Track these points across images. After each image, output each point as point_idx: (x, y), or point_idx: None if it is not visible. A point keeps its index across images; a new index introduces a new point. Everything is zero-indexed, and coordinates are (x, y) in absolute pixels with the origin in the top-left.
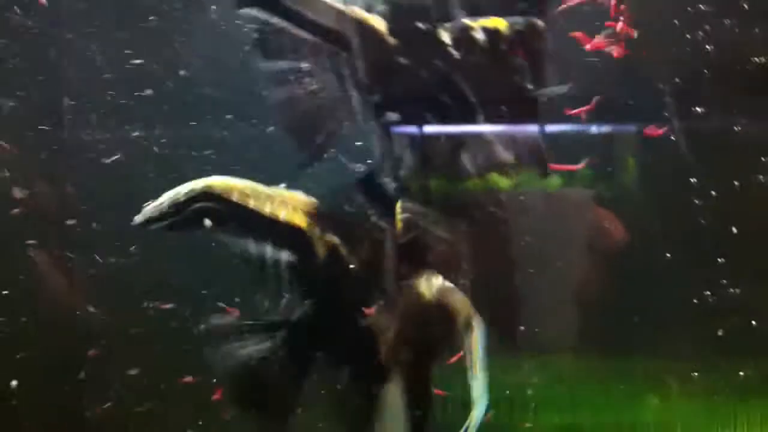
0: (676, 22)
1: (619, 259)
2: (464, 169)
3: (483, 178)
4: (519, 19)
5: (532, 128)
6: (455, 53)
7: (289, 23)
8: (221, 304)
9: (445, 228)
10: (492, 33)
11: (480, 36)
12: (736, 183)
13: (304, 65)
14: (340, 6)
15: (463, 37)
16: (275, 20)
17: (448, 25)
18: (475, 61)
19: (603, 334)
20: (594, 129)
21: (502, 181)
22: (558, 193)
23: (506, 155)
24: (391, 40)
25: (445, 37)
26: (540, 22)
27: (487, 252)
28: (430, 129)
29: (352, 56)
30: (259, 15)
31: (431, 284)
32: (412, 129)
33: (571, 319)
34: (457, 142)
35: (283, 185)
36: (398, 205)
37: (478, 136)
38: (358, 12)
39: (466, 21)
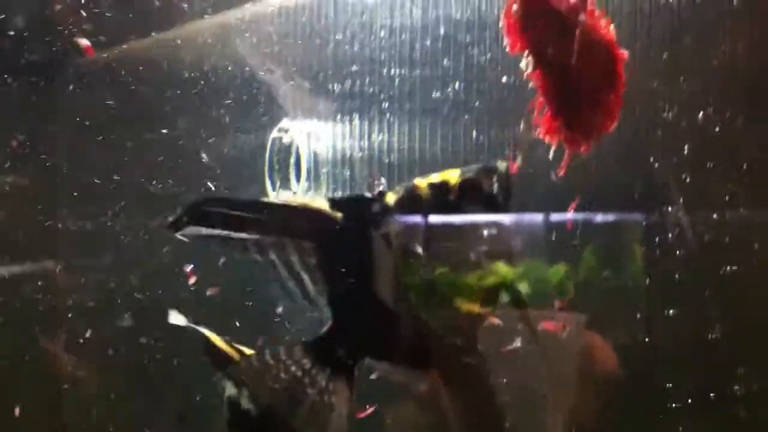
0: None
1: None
2: (467, 258)
3: (486, 267)
4: (474, 167)
5: (537, 218)
6: (396, 212)
7: (231, 231)
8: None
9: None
10: (437, 187)
11: (425, 191)
12: None
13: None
14: (282, 200)
15: (408, 195)
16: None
17: (398, 187)
18: (419, 216)
19: None
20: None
21: (506, 271)
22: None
23: (510, 244)
24: (336, 215)
25: (391, 199)
26: (500, 165)
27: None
28: (433, 219)
29: (298, 240)
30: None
31: None
32: (416, 219)
33: None
34: (461, 231)
35: None
36: None
37: (481, 226)
38: (300, 200)
39: (416, 180)
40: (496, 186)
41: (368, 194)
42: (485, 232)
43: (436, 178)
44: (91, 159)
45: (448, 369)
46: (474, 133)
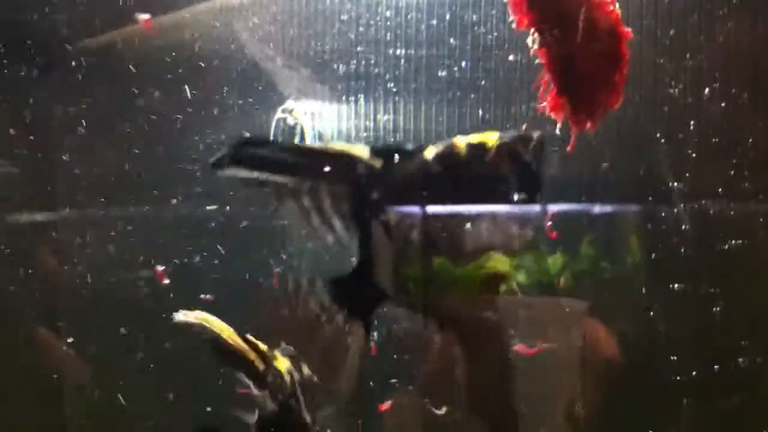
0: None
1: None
2: (466, 249)
3: (484, 257)
4: (512, 132)
5: (536, 208)
6: (435, 168)
7: (271, 174)
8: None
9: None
10: (476, 147)
11: (463, 151)
12: None
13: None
14: (321, 145)
15: (446, 153)
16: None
17: (438, 143)
18: (456, 174)
19: None
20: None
21: (503, 262)
22: (548, 302)
23: (509, 234)
24: (376, 162)
25: (430, 153)
26: (535, 135)
27: (470, 364)
28: (432, 209)
29: (335, 185)
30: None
31: None
32: (414, 209)
33: None
34: (459, 221)
35: None
36: None
37: (480, 216)
38: (339, 146)
39: (455, 139)
40: (530, 154)
41: (409, 146)
42: (483, 223)
43: (475, 138)
44: (90, 145)
45: (464, 323)
46: (480, 112)
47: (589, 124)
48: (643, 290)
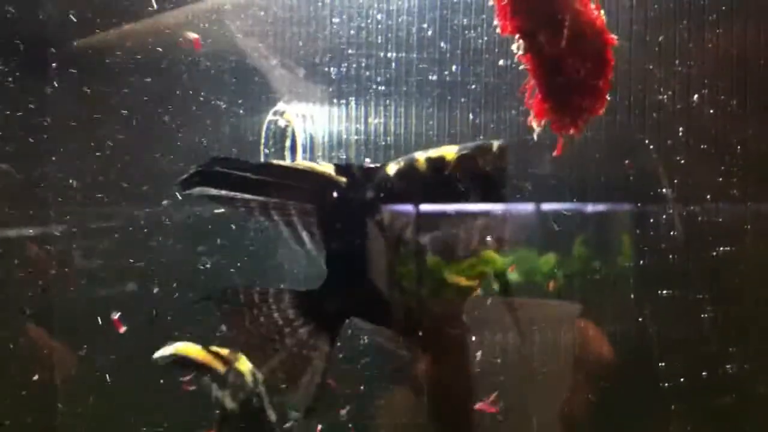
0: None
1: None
2: (459, 247)
3: (478, 256)
4: (471, 144)
5: (528, 207)
6: (397, 184)
7: (239, 192)
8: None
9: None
10: (435, 161)
11: (422, 165)
12: None
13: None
14: (289, 162)
15: (407, 168)
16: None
17: (400, 159)
18: (417, 189)
19: None
20: (589, 207)
21: (498, 260)
22: (541, 304)
23: (502, 233)
24: (340, 179)
25: (391, 170)
26: (494, 144)
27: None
28: (425, 208)
29: (301, 202)
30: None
31: None
32: (407, 208)
33: None
34: (454, 220)
35: None
36: None
37: (474, 215)
38: (304, 163)
39: (416, 153)
40: (491, 164)
41: (371, 164)
42: (478, 221)
43: (434, 152)
44: (83, 145)
45: (432, 337)
46: (470, 116)
47: (572, 130)
48: (635, 291)
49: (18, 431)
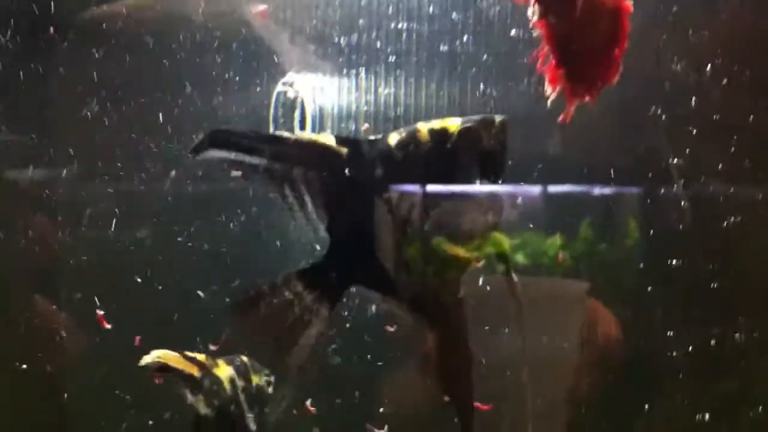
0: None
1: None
2: (466, 228)
3: (485, 237)
4: (475, 117)
5: (535, 189)
6: (397, 154)
7: (245, 156)
8: None
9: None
10: (437, 133)
11: (425, 137)
12: None
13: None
14: (294, 135)
15: (409, 138)
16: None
17: (402, 129)
18: (419, 159)
19: None
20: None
21: (505, 242)
22: (550, 283)
23: (500, 213)
24: (342, 150)
25: (393, 140)
26: (497, 119)
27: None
28: (424, 190)
29: (307, 170)
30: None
31: None
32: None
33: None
34: (461, 201)
35: None
36: None
37: (480, 196)
38: (307, 135)
39: (419, 124)
40: (493, 138)
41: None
42: (484, 202)
43: (437, 124)
44: (92, 120)
45: (430, 307)
46: (481, 87)
47: (587, 98)
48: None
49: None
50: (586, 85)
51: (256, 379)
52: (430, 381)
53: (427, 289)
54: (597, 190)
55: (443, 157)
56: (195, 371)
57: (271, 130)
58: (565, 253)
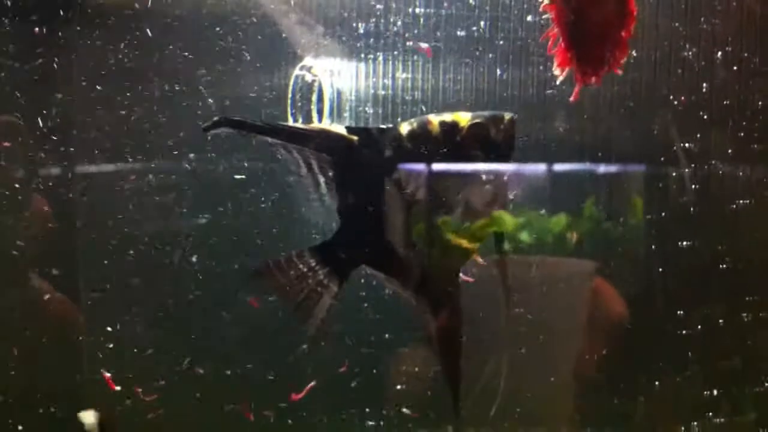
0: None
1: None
2: (471, 207)
3: (489, 216)
4: (485, 113)
5: (540, 168)
6: (407, 144)
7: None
8: None
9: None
10: (448, 126)
11: (435, 129)
12: None
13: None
14: (301, 125)
15: (420, 130)
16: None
17: (413, 119)
18: (428, 151)
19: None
20: (601, 168)
21: (508, 221)
22: (557, 262)
23: (506, 194)
24: (352, 138)
25: (404, 130)
26: (506, 116)
27: (473, 321)
28: (437, 167)
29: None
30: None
31: None
32: (416, 168)
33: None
34: (464, 180)
35: None
36: None
37: (484, 175)
38: (320, 125)
39: (430, 116)
40: (501, 134)
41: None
42: (489, 182)
43: (448, 117)
44: (107, 104)
45: (432, 289)
46: (498, 72)
47: (594, 79)
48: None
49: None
50: (594, 67)
51: None
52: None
53: (430, 273)
54: (601, 169)
55: (452, 149)
56: None
57: (289, 114)
58: (576, 233)
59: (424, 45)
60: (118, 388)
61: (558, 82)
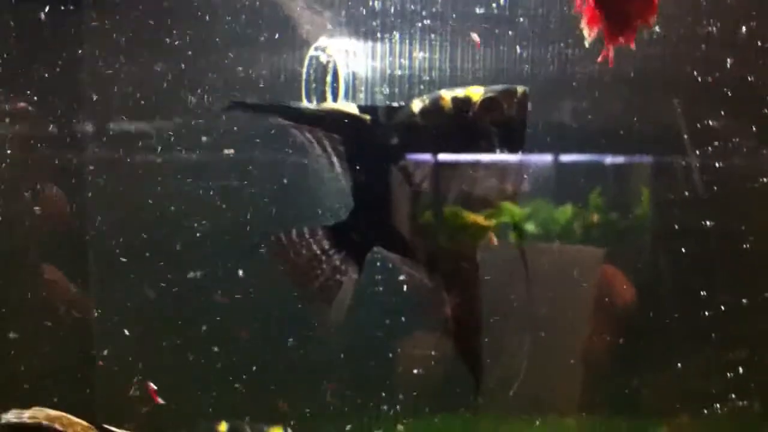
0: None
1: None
2: (478, 197)
3: (496, 206)
4: (497, 87)
5: (547, 158)
6: (420, 121)
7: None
8: None
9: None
10: (460, 101)
11: (448, 104)
12: None
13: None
14: (314, 105)
15: (432, 106)
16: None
17: (425, 96)
18: (441, 127)
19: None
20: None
21: (516, 211)
22: (567, 249)
23: (519, 184)
24: (365, 116)
25: (416, 107)
26: (519, 89)
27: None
28: (444, 158)
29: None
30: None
31: None
32: (426, 158)
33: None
34: (472, 171)
35: None
36: None
37: (492, 165)
38: (331, 105)
39: (442, 91)
40: (514, 109)
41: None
42: (503, 172)
43: (460, 92)
44: (123, 83)
45: (446, 270)
46: (518, 50)
47: (622, 39)
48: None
49: None
50: (623, 26)
51: None
52: (447, 339)
53: (443, 253)
54: (608, 159)
55: (465, 125)
56: None
57: (303, 94)
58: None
59: (476, 37)
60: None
61: (587, 43)
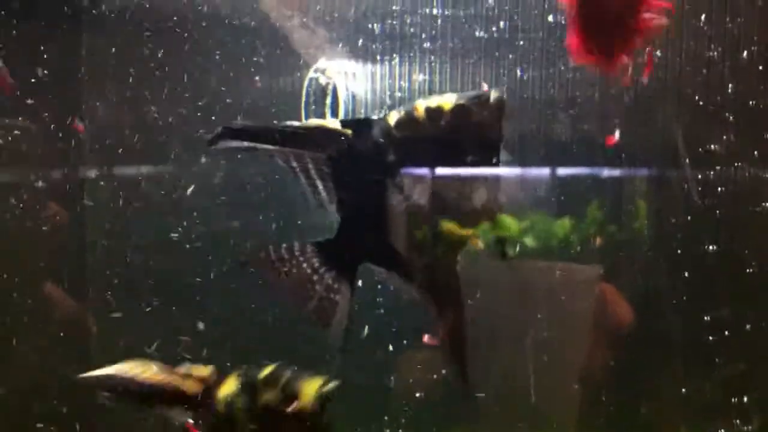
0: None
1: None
2: (474, 211)
3: (493, 220)
4: (470, 93)
5: (544, 171)
6: (397, 133)
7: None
8: None
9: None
10: (432, 111)
11: (421, 115)
12: None
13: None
14: (300, 123)
15: (407, 117)
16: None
17: (402, 107)
18: (416, 138)
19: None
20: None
21: (513, 225)
22: (562, 268)
23: (516, 197)
24: (346, 131)
25: (392, 119)
26: (493, 95)
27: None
28: (440, 171)
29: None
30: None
31: None
32: (423, 171)
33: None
34: (468, 184)
35: None
36: None
37: (488, 179)
38: (316, 121)
39: (418, 101)
40: (487, 116)
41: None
42: (490, 185)
43: (433, 101)
44: (122, 104)
45: (432, 284)
46: (518, 72)
47: (609, 70)
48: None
49: None
50: (606, 56)
51: (268, 396)
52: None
53: (429, 266)
54: (605, 173)
55: (438, 134)
56: (193, 389)
57: (303, 116)
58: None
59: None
60: None
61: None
